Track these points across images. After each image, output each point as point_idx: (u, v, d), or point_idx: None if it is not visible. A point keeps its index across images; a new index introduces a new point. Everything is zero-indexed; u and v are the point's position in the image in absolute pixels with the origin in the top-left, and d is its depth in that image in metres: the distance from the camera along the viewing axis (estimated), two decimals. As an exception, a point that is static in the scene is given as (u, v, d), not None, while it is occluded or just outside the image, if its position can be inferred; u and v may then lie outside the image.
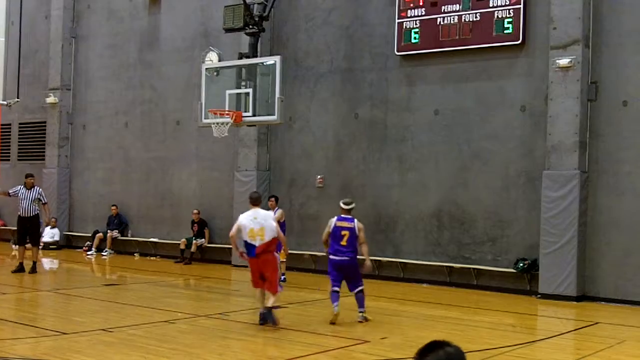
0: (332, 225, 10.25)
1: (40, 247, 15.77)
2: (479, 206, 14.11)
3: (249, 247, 9.84)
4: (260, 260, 9.77)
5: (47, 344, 8.37)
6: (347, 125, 15.90)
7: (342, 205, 10.42)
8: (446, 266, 14.34)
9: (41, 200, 14.95)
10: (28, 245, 15.19)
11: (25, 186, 14.95)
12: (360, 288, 10.24)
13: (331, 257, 10.17)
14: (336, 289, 10.06)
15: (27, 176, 15.28)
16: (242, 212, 16.60)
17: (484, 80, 14.15)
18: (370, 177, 15.49)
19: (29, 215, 14.84)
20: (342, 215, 10.30)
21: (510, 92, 13.88)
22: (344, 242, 10.13)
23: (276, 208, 14.26)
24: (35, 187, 15.09)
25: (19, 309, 11.08)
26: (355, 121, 15.78)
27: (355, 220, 10.30)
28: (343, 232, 10.14)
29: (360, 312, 10.21)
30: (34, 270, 14.75)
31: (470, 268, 14.05)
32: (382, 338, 9.07)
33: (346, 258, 10.09)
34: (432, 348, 2.80)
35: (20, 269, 14.67)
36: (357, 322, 10.07)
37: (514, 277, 13.55)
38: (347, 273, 10.18)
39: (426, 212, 14.71)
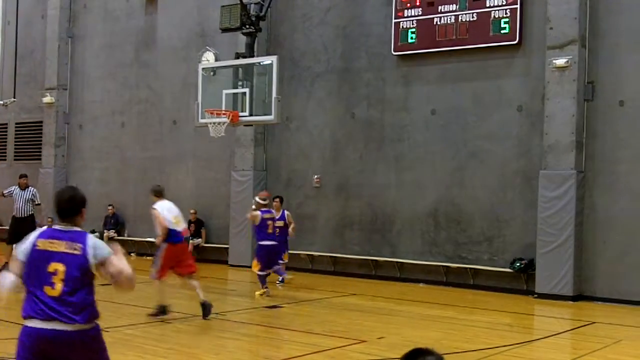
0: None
1: None
2: (476, 206, 14.11)
3: (175, 234, 10.26)
4: (183, 246, 10.49)
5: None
6: (343, 125, 15.90)
7: (258, 200, 12.68)
8: (443, 266, 14.33)
9: (34, 201, 14.89)
10: None
11: (19, 186, 14.90)
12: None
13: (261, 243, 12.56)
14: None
15: (20, 176, 15.23)
16: (237, 212, 16.70)
17: (481, 80, 14.15)
18: (367, 177, 15.49)
19: (23, 215, 14.78)
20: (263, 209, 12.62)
21: (507, 91, 13.88)
22: (269, 230, 12.53)
23: (282, 210, 13.90)
24: (30, 188, 15.02)
25: (16, 310, 11.04)
26: (352, 121, 15.77)
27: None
28: (268, 222, 12.51)
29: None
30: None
31: (467, 268, 14.05)
32: (379, 338, 9.07)
33: (275, 243, 12.68)
34: (415, 356, 2.82)
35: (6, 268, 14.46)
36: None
37: (510, 277, 13.56)
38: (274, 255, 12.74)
39: (423, 212, 14.71)
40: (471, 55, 14.12)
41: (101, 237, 19.38)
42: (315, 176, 16.21)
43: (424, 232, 14.70)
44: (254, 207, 12.70)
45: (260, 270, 12.57)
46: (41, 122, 21.49)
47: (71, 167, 21.11)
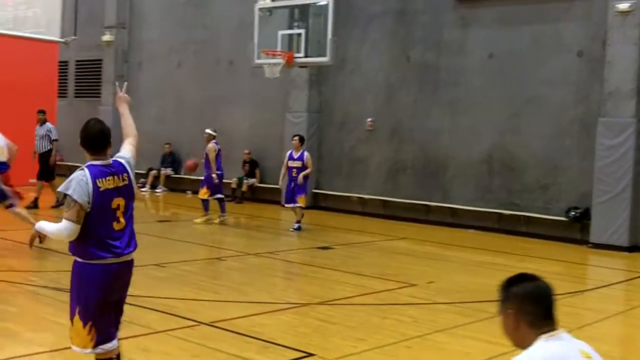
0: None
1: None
2: (531, 153, 13.93)
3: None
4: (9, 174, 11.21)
5: (102, 277, 8.67)
6: (398, 68, 15.75)
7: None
8: (495, 212, 14.27)
9: (50, 137, 14.81)
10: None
11: (38, 123, 14.91)
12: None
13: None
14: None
15: (38, 112, 15.08)
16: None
17: (540, 24, 13.80)
18: (421, 121, 15.40)
19: (40, 151, 14.78)
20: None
21: (566, 36, 13.52)
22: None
23: (302, 150, 13.44)
24: (47, 124, 14.95)
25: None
26: (407, 64, 15.61)
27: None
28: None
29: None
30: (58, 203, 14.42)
31: (520, 215, 13.96)
32: (429, 282, 9.16)
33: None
34: (522, 279, 2.74)
35: (34, 204, 14.14)
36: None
37: (564, 226, 13.43)
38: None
39: (477, 158, 14.60)
40: (532, -2, 13.77)
41: (158, 175, 19.82)
42: (369, 119, 16.17)
43: (477, 178, 14.62)
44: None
45: (208, 197, 13.71)
46: (101, 60, 21.84)
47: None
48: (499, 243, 13.07)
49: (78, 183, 4.24)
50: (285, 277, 9.53)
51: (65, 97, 22.85)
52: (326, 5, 13.52)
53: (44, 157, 14.73)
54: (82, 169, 4.34)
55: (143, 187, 20.00)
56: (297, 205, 13.30)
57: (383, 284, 8.94)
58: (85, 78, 22.95)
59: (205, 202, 13.90)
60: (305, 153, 13.38)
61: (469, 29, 14.72)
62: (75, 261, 4.37)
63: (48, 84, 19.45)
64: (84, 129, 4.48)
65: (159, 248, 11.21)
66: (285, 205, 13.84)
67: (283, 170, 13.47)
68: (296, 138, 13.58)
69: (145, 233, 12.67)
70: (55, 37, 19.75)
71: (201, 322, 6.59)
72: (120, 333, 6.04)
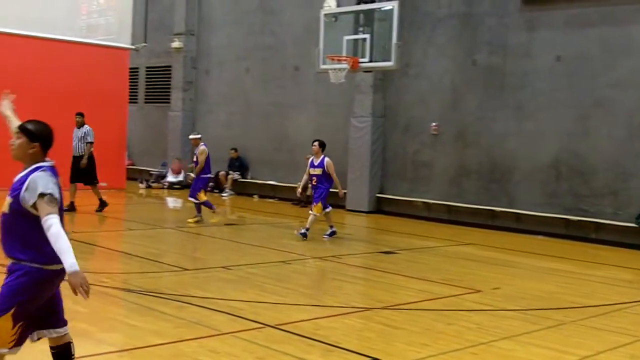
0: None
1: (96, 184, 14.93)
2: (600, 157, 13.65)
3: None
4: None
5: (169, 279, 8.90)
6: (463, 71, 15.65)
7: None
8: (563, 218, 14.03)
9: (86, 139, 14.75)
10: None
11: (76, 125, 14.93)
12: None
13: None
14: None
15: (76, 115, 14.99)
16: (355, 158, 16.92)
17: (609, 26, 13.51)
18: (486, 125, 15.26)
19: (77, 154, 14.76)
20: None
21: (637, 38, 13.20)
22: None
23: (322, 156, 12.63)
24: (85, 126, 14.81)
25: (144, 245, 11.78)
26: (473, 67, 15.49)
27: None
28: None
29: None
30: (101, 207, 14.66)
31: (588, 221, 13.69)
32: (494, 288, 9.07)
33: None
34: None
35: (70, 207, 14.09)
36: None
37: (635, 232, 13.10)
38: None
39: (543, 162, 14.39)
40: (599, 0, 13.49)
41: (225, 179, 20.16)
42: (433, 123, 16.11)
43: (544, 183, 14.40)
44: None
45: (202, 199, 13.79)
46: (170, 66, 22.35)
47: (197, 110, 21.90)
48: (566, 249, 12.84)
49: (51, 182, 4.09)
50: (350, 281, 9.58)
51: (135, 102, 23.46)
52: (391, 10, 13.57)
53: (80, 160, 14.70)
54: (44, 170, 4.16)
55: (212, 190, 20.37)
56: (328, 211, 12.66)
57: (447, 289, 8.90)
58: (155, 84, 23.52)
59: (206, 204, 13.98)
60: (326, 159, 12.57)
61: (536, 31, 14.53)
62: (26, 266, 4.09)
63: (119, 90, 20.03)
64: (45, 129, 4.26)
65: (227, 251, 11.43)
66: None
67: (305, 177, 12.97)
68: (316, 143, 12.74)
69: (214, 236, 12.98)
70: (126, 44, 20.33)
71: (266, 325, 6.70)
72: (188, 334, 6.23)
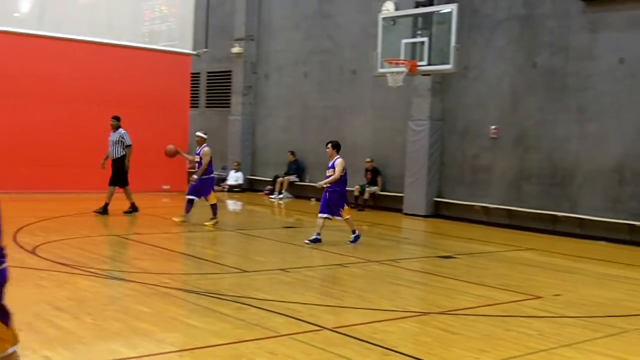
0: None
1: (126, 186, 14.96)
2: (666, 161, 13.30)
3: None
4: None
5: (228, 281, 9.02)
6: (524, 74, 15.45)
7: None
8: (627, 224, 13.71)
9: (123, 143, 14.82)
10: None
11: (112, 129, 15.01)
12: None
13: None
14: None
15: (112, 118, 15.02)
16: (413, 162, 16.87)
17: (677, 27, 13.17)
18: (547, 128, 15.03)
19: (113, 157, 14.86)
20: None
21: None
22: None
23: (336, 157, 12.24)
24: (120, 130, 14.83)
25: (204, 247, 11.99)
26: (533, 70, 15.28)
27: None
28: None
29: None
30: (131, 211, 14.84)
31: (653, 226, 13.37)
32: (555, 295, 8.93)
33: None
34: None
35: (104, 210, 14.40)
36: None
37: (702, 238, 12.74)
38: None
39: (606, 166, 14.09)
40: (667, 0, 13.17)
41: (282, 182, 20.34)
42: (493, 127, 15.94)
43: (607, 188, 14.10)
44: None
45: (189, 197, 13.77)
46: (230, 71, 22.68)
47: (257, 115, 22.16)
48: (631, 256, 12.54)
49: None
50: (407, 285, 9.56)
51: (197, 107, 23.87)
52: (450, 13, 13.51)
53: (117, 163, 14.83)
54: None
55: (271, 193, 20.58)
56: (346, 218, 12.32)
57: (507, 295, 8.81)
58: (216, 89, 23.89)
59: (186, 206, 13.82)
60: (337, 160, 12.16)
61: (598, 33, 14.25)
62: None
63: (181, 95, 20.42)
64: None
65: (285, 254, 11.54)
66: (327, 216, 12.33)
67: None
68: (329, 145, 12.34)
69: (272, 239, 13.11)
70: (188, 50, 20.72)
71: (324, 327, 6.75)
72: (247, 335, 6.33)
